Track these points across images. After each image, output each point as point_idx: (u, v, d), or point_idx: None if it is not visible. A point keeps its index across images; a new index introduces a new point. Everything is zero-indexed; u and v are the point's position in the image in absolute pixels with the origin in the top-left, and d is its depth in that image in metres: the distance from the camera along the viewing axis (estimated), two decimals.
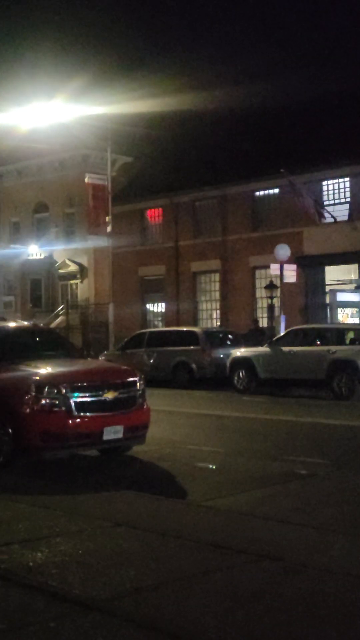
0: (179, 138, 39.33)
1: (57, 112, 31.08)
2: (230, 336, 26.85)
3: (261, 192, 34.98)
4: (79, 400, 10.71)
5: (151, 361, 25.70)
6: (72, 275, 43.88)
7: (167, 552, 6.50)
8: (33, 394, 10.62)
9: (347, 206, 32.10)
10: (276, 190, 34.05)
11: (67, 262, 43.58)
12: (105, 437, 10.88)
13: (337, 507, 8.51)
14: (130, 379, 11.62)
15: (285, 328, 26.75)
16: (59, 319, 41.45)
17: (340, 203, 32.29)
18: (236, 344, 25.59)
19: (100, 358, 25.16)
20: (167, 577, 5.80)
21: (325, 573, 5.93)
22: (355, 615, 5.08)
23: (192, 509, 8.43)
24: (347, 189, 32.01)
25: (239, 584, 5.64)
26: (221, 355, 24.67)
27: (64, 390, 10.64)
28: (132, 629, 4.81)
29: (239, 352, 23.60)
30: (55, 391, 10.63)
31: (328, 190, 32.63)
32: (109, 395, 11.02)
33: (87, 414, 10.77)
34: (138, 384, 11.62)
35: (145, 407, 11.67)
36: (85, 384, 10.94)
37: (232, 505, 8.70)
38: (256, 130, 36.12)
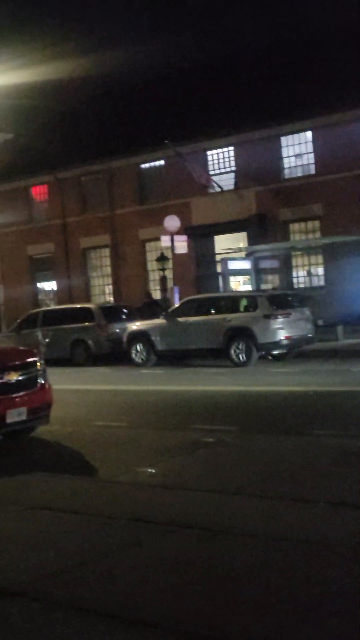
0: (60, 112, 38.70)
1: None
2: (124, 310, 26.76)
3: (147, 165, 34.90)
4: None
5: (47, 340, 25.37)
6: None
7: (85, 530, 6.46)
8: None
9: (232, 175, 32.40)
10: (162, 162, 34.05)
11: None
12: (9, 419, 10.68)
13: (246, 471, 8.63)
14: (30, 359, 11.45)
15: (179, 299, 26.90)
16: None
17: (225, 172, 32.55)
18: (131, 317, 25.54)
19: None
20: (89, 556, 5.76)
21: (240, 537, 6.01)
22: (271, 573, 5.17)
23: (105, 485, 8.40)
24: (232, 158, 32.29)
25: (158, 555, 5.64)
26: (117, 330, 24.59)
27: None
28: (59, 611, 4.75)
29: (135, 325, 23.57)
30: None
31: (213, 160, 32.83)
32: (10, 377, 10.83)
33: None
34: (38, 363, 11.47)
35: (47, 386, 11.52)
36: None
37: (141, 478, 8.70)
38: (139, 101, 35.95)
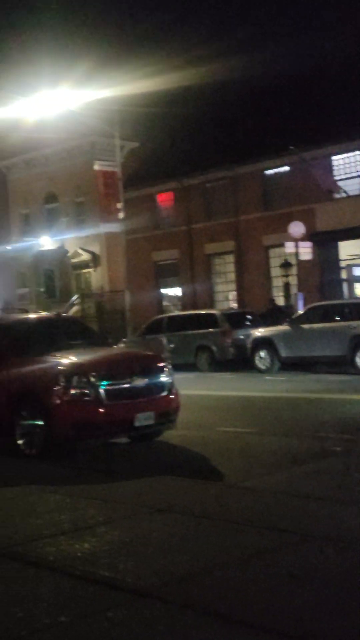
0: (185, 119, 39.08)
1: (63, 99, 30.93)
2: (248, 316, 26.77)
3: (271, 171, 34.79)
4: (108, 388, 10.70)
5: (171, 346, 25.64)
6: (85, 264, 43.88)
7: (213, 535, 6.47)
8: (62, 384, 10.62)
9: (358, 180, 31.87)
10: (286, 168, 33.88)
11: (79, 251, 43.57)
12: (137, 423, 10.85)
13: None
14: (158, 365, 11.60)
15: (304, 306, 26.67)
16: (74, 309, 41.45)
17: (351, 177, 32.08)
18: (255, 324, 25.52)
19: (120, 345, 25.12)
20: (218, 560, 5.77)
21: None
22: None
23: (231, 490, 8.40)
24: (358, 163, 31.78)
25: (291, 564, 5.61)
26: (241, 336, 24.62)
27: (93, 379, 10.62)
28: (190, 615, 4.78)
29: (259, 332, 23.54)
30: (85, 380, 10.62)
31: (338, 165, 32.41)
32: (138, 382, 11.00)
33: (118, 401, 10.77)
34: (166, 369, 11.60)
35: (174, 391, 11.62)
36: (114, 372, 10.92)
37: (269, 484, 8.64)
38: (262, 107, 35.87)
